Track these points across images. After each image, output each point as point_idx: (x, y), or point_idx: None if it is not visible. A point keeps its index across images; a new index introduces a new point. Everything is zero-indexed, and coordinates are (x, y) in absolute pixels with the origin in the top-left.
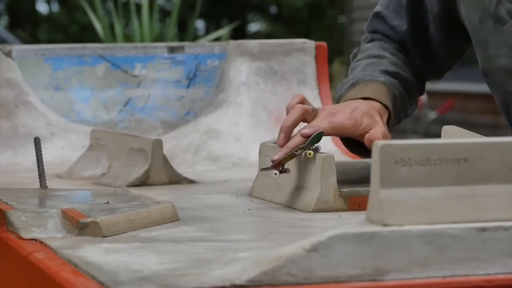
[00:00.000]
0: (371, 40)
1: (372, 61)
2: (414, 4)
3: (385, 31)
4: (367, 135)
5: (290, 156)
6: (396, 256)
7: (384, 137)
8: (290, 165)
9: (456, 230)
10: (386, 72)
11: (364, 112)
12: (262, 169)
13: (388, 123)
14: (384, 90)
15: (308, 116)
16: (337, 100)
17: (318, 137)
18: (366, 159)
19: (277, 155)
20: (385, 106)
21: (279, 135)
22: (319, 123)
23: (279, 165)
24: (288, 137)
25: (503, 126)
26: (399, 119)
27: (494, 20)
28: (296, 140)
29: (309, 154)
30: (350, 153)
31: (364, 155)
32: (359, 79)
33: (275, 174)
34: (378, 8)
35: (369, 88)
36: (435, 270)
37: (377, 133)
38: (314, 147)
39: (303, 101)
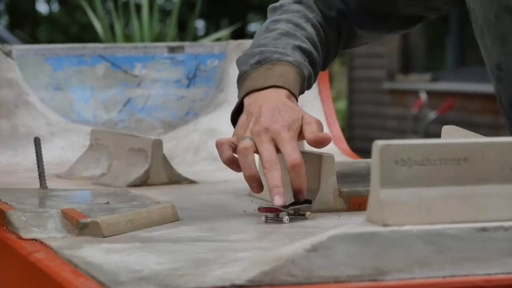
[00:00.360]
0: (299, 2)
1: (289, 31)
2: None
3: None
4: (309, 136)
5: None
6: (396, 256)
7: (318, 125)
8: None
9: (456, 230)
10: (299, 48)
11: (284, 106)
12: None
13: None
14: (292, 73)
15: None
16: (239, 74)
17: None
18: (365, 159)
19: (277, 201)
20: (292, 93)
21: (251, 185)
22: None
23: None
24: (260, 182)
25: (503, 126)
26: (303, 90)
27: (511, 15)
28: (275, 175)
29: (309, 215)
30: (350, 153)
31: None
32: (266, 57)
33: (287, 219)
34: None
35: (277, 71)
36: (435, 270)
37: (314, 129)
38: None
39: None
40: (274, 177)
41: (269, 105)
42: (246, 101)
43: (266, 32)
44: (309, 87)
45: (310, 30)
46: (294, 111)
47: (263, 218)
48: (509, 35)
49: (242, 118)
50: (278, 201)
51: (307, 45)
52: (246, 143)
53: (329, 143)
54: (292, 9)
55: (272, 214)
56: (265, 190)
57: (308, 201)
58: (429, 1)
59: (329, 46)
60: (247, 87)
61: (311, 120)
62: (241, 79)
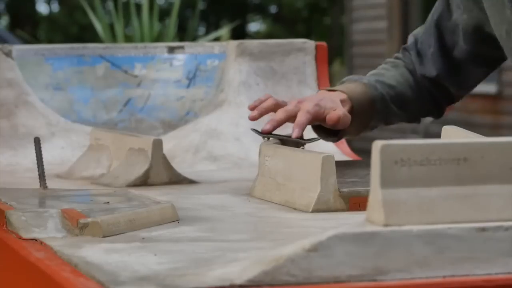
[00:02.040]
0: (396, 58)
1: (377, 71)
2: (441, 21)
3: (411, 54)
4: (328, 116)
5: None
6: (396, 256)
7: (344, 116)
8: (290, 165)
9: (456, 230)
10: (380, 82)
11: (329, 99)
12: (252, 129)
13: (351, 114)
14: (359, 88)
15: (280, 107)
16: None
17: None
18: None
19: (267, 127)
20: (350, 98)
21: (253, 112)
22: (289, 107)
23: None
24: (260, 115)
25: (503, 126)
26: (378, 120)
27: None
28: (280, 115)
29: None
30: (350, 153)
31: (330, 138)
32: (349, 78)
33: (265, 138)
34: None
35: (347, 85)
36: (435, 270)
37: (335, 113)
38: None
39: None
40: (300, 117)
41: (320, 95)
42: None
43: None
44: (388, 110)
45: (396, 73)
46: (333, 103)
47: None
48: None
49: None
50: (296, 132)
51: (391, 81)
52: (275, 99)
53: (337, 121)
54: (388, 61)
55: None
56: (265, 190)
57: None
58: (483, 55)
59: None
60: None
61: (340, 110)
62: None
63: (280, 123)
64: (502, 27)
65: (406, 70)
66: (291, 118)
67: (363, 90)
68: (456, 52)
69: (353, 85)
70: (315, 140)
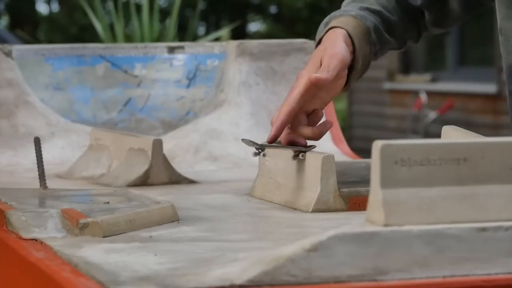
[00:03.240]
0: None
1: None
2: None
3: None
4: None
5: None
6: (396, 256)
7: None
8: (290, 165)
9: (456, 230)
10: (366, 9)
11: (329, 56)
12: (243, 140)
13: (354, 54)
14: (352, 22)
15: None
16: (316, 43)
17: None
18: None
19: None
20: (349, 34)
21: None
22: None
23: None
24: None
25: (503, 126)
26: (376, 50)
27: None
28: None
29: (302, 156)
30: (350, 153)
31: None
32: (331, 17)
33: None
34: None
35: (338, 20)
36: (435, 270)
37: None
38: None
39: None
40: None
41: (314, 58)
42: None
43: (342, 6)
44: (382, 39)
45: None
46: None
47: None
48: None
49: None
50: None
51: (376, 7)
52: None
53: (318, 82)
54: None
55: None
56: (265, 190)
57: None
58: None
59: (411, 15)
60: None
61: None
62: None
63: (283, 127)
64: None
65: None
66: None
67: (356, 22)
68: None
69: (345, 20)
70: (313, 148)
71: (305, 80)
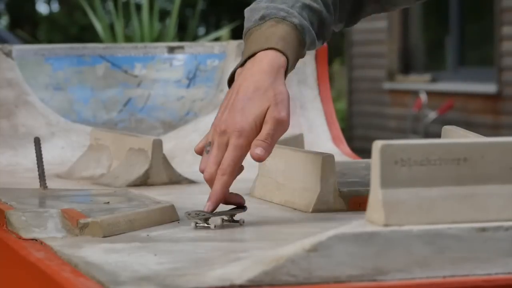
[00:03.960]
0: None
1: None
2: None
3: None
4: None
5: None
6: (396, 256)
7: (274, 124)
8: (290, 165)
9: (456, 230)
10: (308, 7)
11: (256, 99)
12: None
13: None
14: (294, 38)
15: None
16: (244, 31)
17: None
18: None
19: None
20: (288, 60)
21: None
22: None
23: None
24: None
25: (503, 126)
26: (302, 55)
27: None
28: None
29: (242, 222)
30: (350, 153)
31: None
32: (271, 13)
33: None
34: None
35: (279, 31)
36: (435, 270)
37: (264, 131)
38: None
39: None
40: (215, 185)
41: (246, 90)
42: (238, 71)
43: None
44: (310, 49)
45: None
46: (264, 101)
47: (192, 224)
48: None
49: (224, 98)
50: (208, 207)
51: (317, 4)
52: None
53: (257, 160)
54: None
55: (201, 220)
56: (265, 190)
57: (242, 207)
58: None
59: (341, 8)
60: (248, 50)
61: (270, 117)
62: (245, 37)
63: (222, 198)
64: None
65: None
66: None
67: (295, 36)
68: None
69: (284, 32)
70: (243, 211)
71: (243, 151)
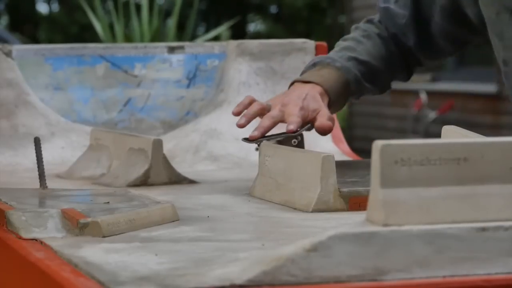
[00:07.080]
0: (367, 22)
1: (349, 45)
2: None
3: (382, 18)
4: (316, 123)
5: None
6: (396, 256)
7: (332, 123)
8: (290, 165)
9: (456, 230)
10: (352, 59)
11: (311, 97)
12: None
13: (329, 104)
14: (333, 75)
15: (265, 111)
16: (301, 73)
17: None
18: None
19: (254, 133)
20: (326, 91)
21: (240, 119)
22: (274, 113)
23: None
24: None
25: (503, 126)
26: (354, 98)
27: (510, 13)
28: (266, 122)
29: (294, 142)
30: (350, 153)
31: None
32: (321, 61)
33: (256, 149)
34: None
35: (321, 72)
36: (435, 270)
37: (323, 119)
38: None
39: (253, 101)
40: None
41: (301, 93)
42: (290, 87)
43: (335, 47)
44: (362, 90)
45: (368, 43)
46: (316, 102)
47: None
48: (507, 30)
49: (281, 93)
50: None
51: (364, 57)
52: (259, 102)
53: (330, 131)
54: (360, 27)
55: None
56: (265, 190)
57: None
58: (455, 35)
59: (398, 57)
60: (295, 79)
61: (325, 113)
62: (300, 75)
63: (267, 130)
64: (493, 8)
65: (378, 39)
66: (277, 123)
67: (338, 75)
68: (430, 26)
69: (327, 72)
70: (307, 129)
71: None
